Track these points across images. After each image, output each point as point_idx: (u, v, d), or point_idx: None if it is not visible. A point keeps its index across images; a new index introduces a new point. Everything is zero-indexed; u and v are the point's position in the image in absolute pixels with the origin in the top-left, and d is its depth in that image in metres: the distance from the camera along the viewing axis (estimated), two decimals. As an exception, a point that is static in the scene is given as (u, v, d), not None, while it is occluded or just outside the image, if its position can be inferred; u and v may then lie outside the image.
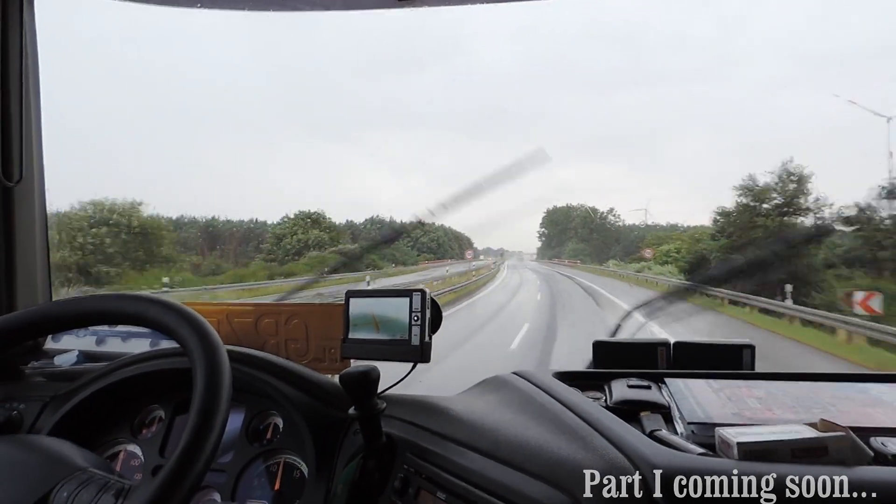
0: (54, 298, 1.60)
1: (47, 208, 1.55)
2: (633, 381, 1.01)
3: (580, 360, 1.27)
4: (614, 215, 63.94)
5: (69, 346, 1.50)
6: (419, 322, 1.02)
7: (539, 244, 76.94)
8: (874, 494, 0.64)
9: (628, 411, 0.91)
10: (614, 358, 1.20)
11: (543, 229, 75.69)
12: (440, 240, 60.31)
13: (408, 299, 1.03)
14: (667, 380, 1.02)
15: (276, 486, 1.13)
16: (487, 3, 1.42)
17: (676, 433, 0.83)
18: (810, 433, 0.72)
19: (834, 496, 0.64)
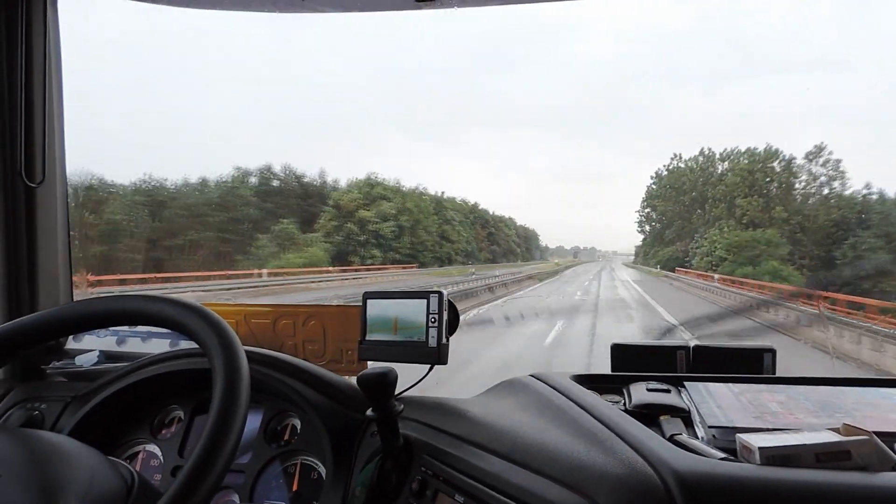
0: (76, 299, 1.62)
1: (69, 208, 1.57)
2: (653, 385, 1.01)
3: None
4: (833, 168, 29.76)
5: (90, 347, 1.51)
6: (436, 324, 1.02)
7: (642, 238, 44.03)
8: None
9: (648, 415, 0.90)
10: (633, 361, 1.19)
11: (648, 210, 42.27)
12: (415, 225, 34.22)
13: (425, 301, 1.03)
14: (686, 383, 1.01)
15: (294, 488, 1.13)
16: (509, 4, 1.42)
17: (697, 437, 0.82)
18: (833, 438, 0.71)
19: (857, 502, 0.63)
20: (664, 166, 41.60)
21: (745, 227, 28.99)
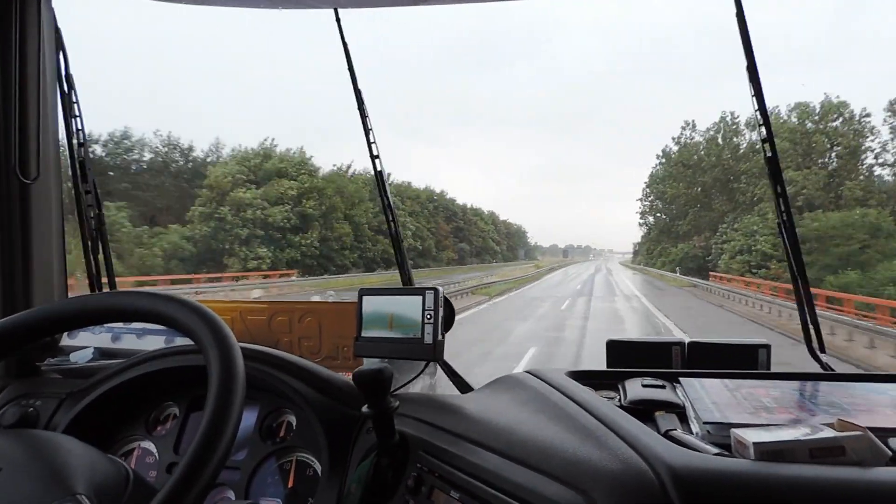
0: (70, 295, 1.61)
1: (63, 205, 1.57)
2: (648, 381, 1.01)
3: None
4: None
5: (85, 343, 1.51)
6: (432, 320, 1.02)
7: (643, 233, 36.23)
8: (893, 495, 0.63)
9: (643, 411, 0.91)
10: (628, 357, 1.19)
11: (652, 197, 33.55)
12: (328, 213, 22.98)
13: (420, 297, 1.04)
14: (682, 379, 1.01)
15: (290, 484, 1.13)
16: (500, 1, 1.42)
17: (692, 433, 0.82)
18: (828, 433, 0.71)
19: (852, 497, 0.63)
20: (674, 139, 31.88)
21: (800, 212, 19.43)
